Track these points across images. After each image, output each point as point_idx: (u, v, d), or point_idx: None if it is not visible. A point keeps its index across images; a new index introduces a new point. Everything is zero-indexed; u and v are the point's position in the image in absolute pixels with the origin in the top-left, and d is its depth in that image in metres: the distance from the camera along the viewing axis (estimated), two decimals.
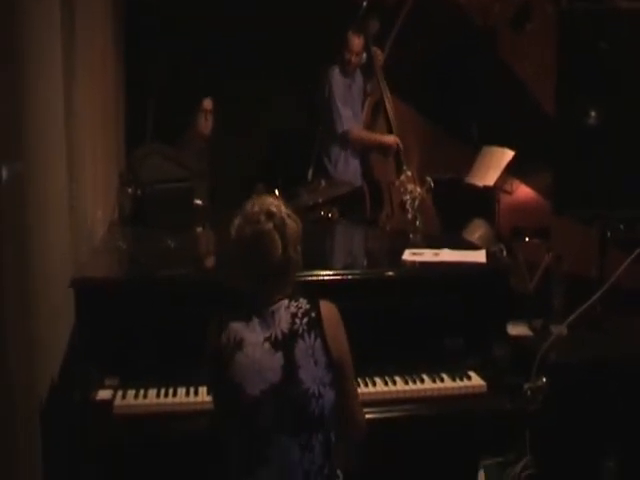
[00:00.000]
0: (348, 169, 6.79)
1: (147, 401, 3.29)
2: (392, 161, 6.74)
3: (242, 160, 6.95)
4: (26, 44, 3.02)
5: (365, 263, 4.51)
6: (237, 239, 2.85)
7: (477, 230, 6.33)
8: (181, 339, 3.34)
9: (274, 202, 2.87)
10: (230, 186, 6.43)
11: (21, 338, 2.89)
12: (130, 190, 4.96)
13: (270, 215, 2.82)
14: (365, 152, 6.85)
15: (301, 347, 2.79)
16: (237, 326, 2.82)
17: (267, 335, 2.81)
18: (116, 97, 5.74)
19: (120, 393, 3.30)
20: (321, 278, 3.53)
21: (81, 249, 3.96)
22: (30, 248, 3.02)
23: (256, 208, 2.84)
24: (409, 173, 4.54)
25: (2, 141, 2.74)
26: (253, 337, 2.80)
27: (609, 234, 4.77)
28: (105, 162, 4.96)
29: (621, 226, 4.82)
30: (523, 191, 7.19)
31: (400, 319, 3.55)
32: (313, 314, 2.84)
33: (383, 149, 6.75)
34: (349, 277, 3.62)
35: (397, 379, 3.50)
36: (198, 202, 5.07)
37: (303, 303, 2.87)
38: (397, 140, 6.67)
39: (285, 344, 2.79)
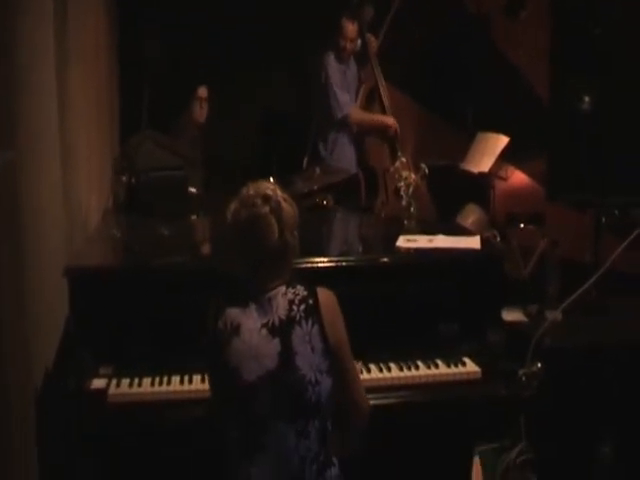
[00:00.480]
0: (344, 156, 6.78)
1: (141, 390, 3.28)
2: (387, 148, 6.73)
3: (236, 148, 6.95)
4: (18, 32, 3.00)
5: (359, 250, 4.52)
6: (233, 223, 2.84)
7: (471, 215, 6.32)
8: (175, 327, 3.35)
9: (270, 186, 2.87)
10: (225, 174, 6.42)
11: (15, 327, 2.88)
12: (124, 178, 4.95)
13: (266, 198, 2.81)
14: (361, 138, 6.84)
15: (298, 334, 2.79)
16: (234, 312, 2.82)
17: (264, 321, 2.80)
18: (110, 85, 5.73)
19: (114, 382, 3.29)
20: (315, 265, 3.53)
21: (75, 238, 3.95)
22: (24, 236, 3.01)
23: (252, 192, 2.84)
24: (404, 159, 4.54)
25: None
26: (250, 323, 2.80)
27: (604, 220, 4.77)
28: (99, 150, 4.95)
29: (616, 211, 4.82)
30: (518, 177, 7.17)
31: (395, 305, 3.55)
32: (310, 301, 2.84)
33: (382, 131, 6.73)
34: (343, 264, 3.62)
35: (392, 365, 3.49)
36: (192, 190, 5.06)
37: (300, 290, 2.86)
38: (395, 122, 6.68)
39: (282, 330, 2.79)
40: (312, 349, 2.78)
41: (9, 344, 2.79)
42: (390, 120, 6.71)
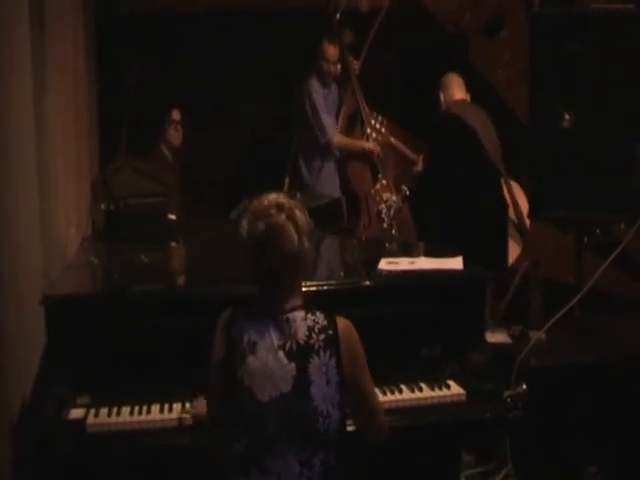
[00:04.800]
0: (329, 181, 6.80)
1: (121, 419, 3.22)
2: (369, 171, 6.73)
3: (213, 173, 6.92)
4: None
5: (341, 273, 4.49)
6: (249, 238, 2.81)
7: None
8: (154, 355, 3.31)
9: (280, 195, 2.86)
10: (202, 199, 6.41)
11: None
12: (103, 205, 4.91)
13: (280, 207, 2.80)
14: (343, 162, 6.85)
15: (316, 363, 2.77)
16: (250, 328, 2.80)
17: (281, 343, 2.78)
18: (89, 110, 5.69)
19: (93, 411, 3.23)
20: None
21: (54, 265, 3.91)
22: (1, 266, 2.97)
23: (265, 202, 2.83)
24: (384, 182, 4.52)
25: None
26: (267, 342, 2.77)
27: (585, 239, 4.76)
28: (77, 177, 4.91)
29: (597, 230, 4.81)
30: None
31: (377, 329, 3.46)
32: (330, 331, 2.81)
33: (363, 155, 6.74)
34: (325, 288, 3.57)
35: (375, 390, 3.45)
36: (172, 217, 5.02)
37: (320, 318, 2.83)
38: (377, 147, 6.68)
39: (299, 357, 2.77)
40: (327, 381, 2.77)
41: None
42: (371, 145, 6.72)
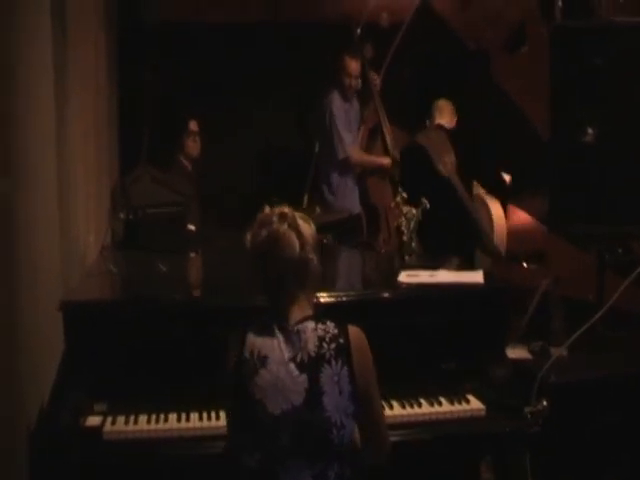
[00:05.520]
0: (348, 196, 6.81)
1: (137, 427, 3.22)
2: (389, 185, 6.72)
3: (234, 184, 6.92)
4: (17, 66, 2.97)
5: (360, 285, 4.47)
6: (253, 245, 2.83)
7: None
8: (172, 363, 3.31)
9: (285, 207, 2.86)
10: (221, 210, 6.40)
11: (10, 363, 2.83)
12: (122, 215, 4.91)
13: (283, 216, 2.81)
14: (363, 177, 6.84)
15: (327, 373, 2.74)
16: (261, 341, 2.77)
17: (292, 355, 2.75)
18: (109, 119, 5.70)
19: (110, 419, 3.23)
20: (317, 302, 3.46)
21: (72, 273, 3.90)
22: (18, 271, 2.96)
23: (268, 212, 2.85)
24: (404, 195, 4.49)
25: None
26: (278, 355, 2.75)
27: (607, 257, 4.72)
28: (97, 185, 4.90)
29: (619, 249, 4.77)
30: (519, 215, 7.16)
31: (396, 341, 3.47)
32: (341, 340, 2.78)
33: (381, 171, 6.74)
34: (344, 299, 3.56)
35: (394, 403, 3.43)
36: (191, 227, 5.02)
37: (331, 327, 2.81)
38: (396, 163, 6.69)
39: (311, 367, 2.74)
40: (340, 391, 2.73)
41: (3, 380, 2.73)
42: (387, 161, 6.71)
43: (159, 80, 6.44)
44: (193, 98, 6.79)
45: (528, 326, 4.65)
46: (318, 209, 5.95)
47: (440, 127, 6.76)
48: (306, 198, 6.57)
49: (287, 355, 2.75)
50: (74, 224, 4.04)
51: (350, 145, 6.71)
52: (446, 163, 6.29)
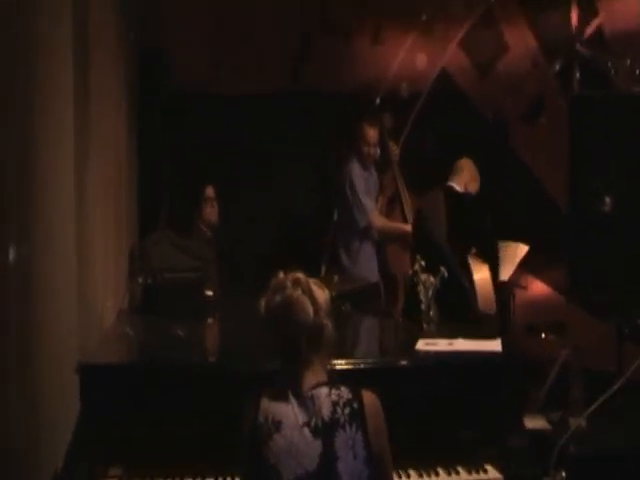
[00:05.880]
0: (367, 264, 6.78)
1: None
2: (408, 253, 6.72)
3: (250, 253, 6.94)
4: (37, 124, 3.00)
5: (377, 352, 4.44)
6: (267, 311, 2.84)
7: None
8: (188, 429, 3.28)
9: (299, 273, 2.87)
10: (239, 277, 6.40)
11: (26, 426, 2.81)
12: (140, 279, 4.92)
13: (297, 281, 2.82)
14: (382, 245, 6.84)
15: (342, 438, 2.72)
16: (275, 407, 2.76)
17: (306, 420, 2.74)
18: (128, 185, 5.74)
19: None
20: (332, 367, 3.44)
21: (90, 336, 3.90)
22: (36, 333, 2.96)
23: (282, 277, 2.86)
24: (422, 262, 4.48)
25: (10, 223, 2.70)
26: (292, 420, 2.74)
27: (626, 330, 4.70)
28: (116, 249, 4.92)
29: (638, 321, 4.75)
30: (537, 286, 7.15)
31: (413, 409, 3.44)
32: (355, 405, 2.77)
33: (402, 239, 6.74)
34: (361, 366, 3.54)
35: (411, 472, 3.38)
36: (209, 293, 5.01)
37: (345, 392, 2.80)
38: None
39: (325, 432, 2.72)
40: (354, 456, 2.71)
41: (19, 442, 2.72)
42: (408, 227, 6.71)
43: (177, 147, 6.52)
44: (211, 164, 6.83)
45: (547, 397, 4.63)
46: (336, 278, 5.94)
47: (448, 189, 6.56)
48: (324, 267, 6.58)
49: (301, 420, 2.74)
50: (92, 288, 4.05)
51: (371, 212, 6.72)
52: (440, 226, 6.19)
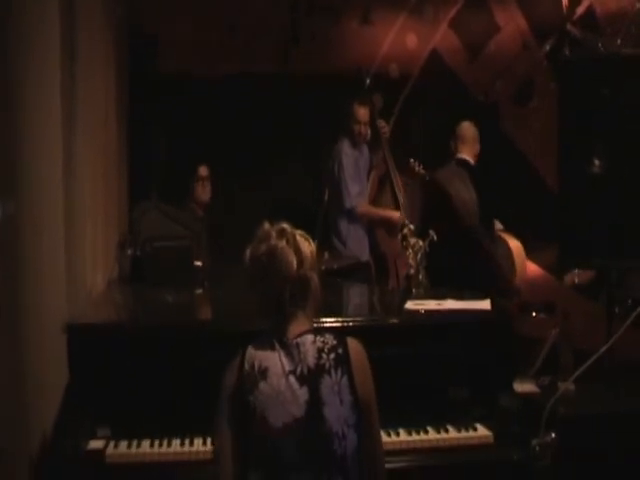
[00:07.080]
0: (357, 244, 6.79)
1: (140, 451, 3.19)
2: (398, 232, 6.71)
3: (241, 232, 6.91)
4: (25, 91, 2.99)
5: (367, 311, 4.44)
6: (251, 260, 2.83)
7: None
8: (176, 388, 3.29)
9: (285, 224, 2.86)
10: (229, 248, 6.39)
11: (15, 391, 2.82)
12: (129, 251, 4.91)
13: (282, 232, 2.82)
14: (371, 226, 6.84)
15: (327, 383, 2.72)
16: (261, 355, 2.76)
17: (292, 368, 2.74)
18: (119, 157, 5.72)
19: (112, 443, 3.20)
20: (320, 325, 3.43)
21: (78, 303, 3.88)
22: (23, 297, 2.94)
23: (267, 227, 2.85)
24: (411, 227, 4.48)
25: None
26: (278, 368, 2.74)
27: (617, 309, 4.70)
28: (105, 224, 4.90)
29: (629, 301, 4.75)
30: (529, 267, 7.15)
31: (403, 368, 3.44)
32: (340, 350, 2.77)
33: (388, 225, 6.73)
34: (350, 324, 3.52)
35: (401, 431, 3.38)
36: (198, 263, 5.00)
37: (329, 338, 2.80)
38: (403, 217, 6.65)
39: (311, 379, 2.72)
40: (341, 401, 2.71)
41: (8, 408, 2.71)
42: (396, 216, 6.70)
43: (169, 126, 6.51)
44: (203, 145, 6.83)
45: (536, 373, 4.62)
46: (326, 254, 5.93)
47: (463, 162, 6.48)
48: (315, 244, 6.55)
49: (287, 368, 2.74)
50: (81, 258, 4.02)
51: (357, 196, 6.72)
52: (466, 202, 6.11)
